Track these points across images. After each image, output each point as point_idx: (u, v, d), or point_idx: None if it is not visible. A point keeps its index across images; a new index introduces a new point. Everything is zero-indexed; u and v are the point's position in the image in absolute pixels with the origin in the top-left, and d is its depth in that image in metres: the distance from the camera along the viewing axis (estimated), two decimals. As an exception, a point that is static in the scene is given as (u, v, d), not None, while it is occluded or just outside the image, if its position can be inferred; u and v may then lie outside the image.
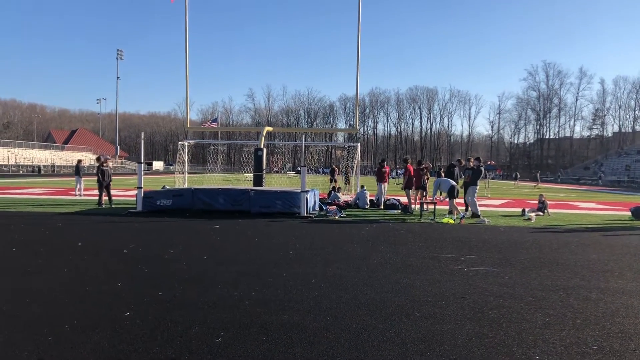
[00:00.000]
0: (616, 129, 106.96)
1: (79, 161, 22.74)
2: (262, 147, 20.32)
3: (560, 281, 6.63)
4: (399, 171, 60.91)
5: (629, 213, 16.19)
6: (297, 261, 7.68)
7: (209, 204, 14.93)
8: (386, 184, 18.59)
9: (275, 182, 26.04)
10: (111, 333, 4.31)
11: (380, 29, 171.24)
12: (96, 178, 16.85)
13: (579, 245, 9.92)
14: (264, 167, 20.03)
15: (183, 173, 25.85)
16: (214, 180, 33.52)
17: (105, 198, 16.68)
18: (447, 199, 14.91)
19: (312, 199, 15.49)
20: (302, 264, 7.44)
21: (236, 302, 5.34)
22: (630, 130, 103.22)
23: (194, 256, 7.94)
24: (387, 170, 19.23)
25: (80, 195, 20.83)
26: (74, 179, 20.40)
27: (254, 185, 19.00)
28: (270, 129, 24.20)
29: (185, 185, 21.52)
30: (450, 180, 14.81)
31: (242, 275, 6.60)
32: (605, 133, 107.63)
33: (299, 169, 21.29)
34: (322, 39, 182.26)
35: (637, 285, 6.49)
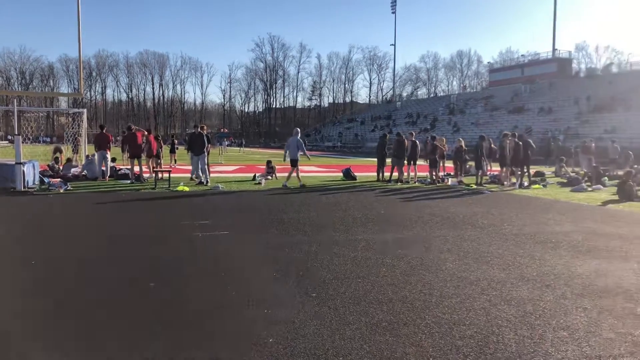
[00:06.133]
0: (331, 100, 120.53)
1: None
2: (-42, 111, 17.07)
3: (287, 238, 7.26)
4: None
5: (341, 174, 18.65)
6: (15, 243, 6.75)
7: None
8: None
9: (-21, 154, 22.22)
10: None
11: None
12: None
13: (302, 204, 11.00)
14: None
15: None
16: None
17: None
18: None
19: (30, 172, 13.68)
20: (20, 247, 6.58)
21: None
22: (342, 102, 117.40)
23: None
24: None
25: None
26: None
27: (-50, 157, 15.91)
28: (-30, 90, 20.41)
29: None
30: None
31: None
32: (322, 104, 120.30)
33: (10, 137, 18.55)
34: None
35: (346, 236, 7.51)
